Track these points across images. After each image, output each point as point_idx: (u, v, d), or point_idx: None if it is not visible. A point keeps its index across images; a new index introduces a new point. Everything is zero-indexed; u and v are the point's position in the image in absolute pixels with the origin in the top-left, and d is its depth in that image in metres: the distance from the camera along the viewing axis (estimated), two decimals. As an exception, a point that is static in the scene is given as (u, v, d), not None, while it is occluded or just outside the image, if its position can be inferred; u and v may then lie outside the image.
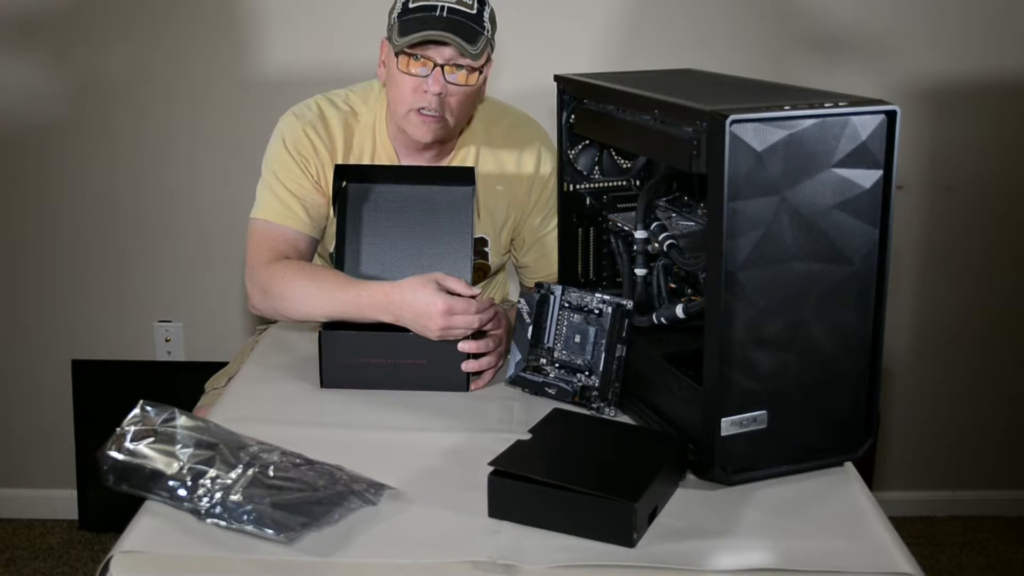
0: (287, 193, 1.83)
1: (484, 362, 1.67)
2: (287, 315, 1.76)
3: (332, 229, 1.87)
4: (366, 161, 1.88)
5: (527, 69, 2.48)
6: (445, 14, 1.71)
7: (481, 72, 1.77)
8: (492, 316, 1.66)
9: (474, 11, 1.73)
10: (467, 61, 1.72)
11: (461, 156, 1.90)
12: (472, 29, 1.72)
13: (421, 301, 1.61)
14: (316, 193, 1.85)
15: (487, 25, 1.75)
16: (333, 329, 1.68)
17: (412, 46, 1.71)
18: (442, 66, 1.72)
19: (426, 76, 1.73)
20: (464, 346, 1.64)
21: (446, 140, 1.86)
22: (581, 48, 2.56)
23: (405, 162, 1.89)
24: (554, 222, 1.89)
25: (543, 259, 1.96)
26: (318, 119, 1.86)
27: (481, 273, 1.97)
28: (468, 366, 1.66)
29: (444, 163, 1.90)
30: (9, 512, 2.84)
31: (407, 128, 1.80)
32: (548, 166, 1.91)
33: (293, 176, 1.84)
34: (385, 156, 1.88)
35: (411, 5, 1.73)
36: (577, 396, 1.62)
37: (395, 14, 1.75)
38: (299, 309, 1.73)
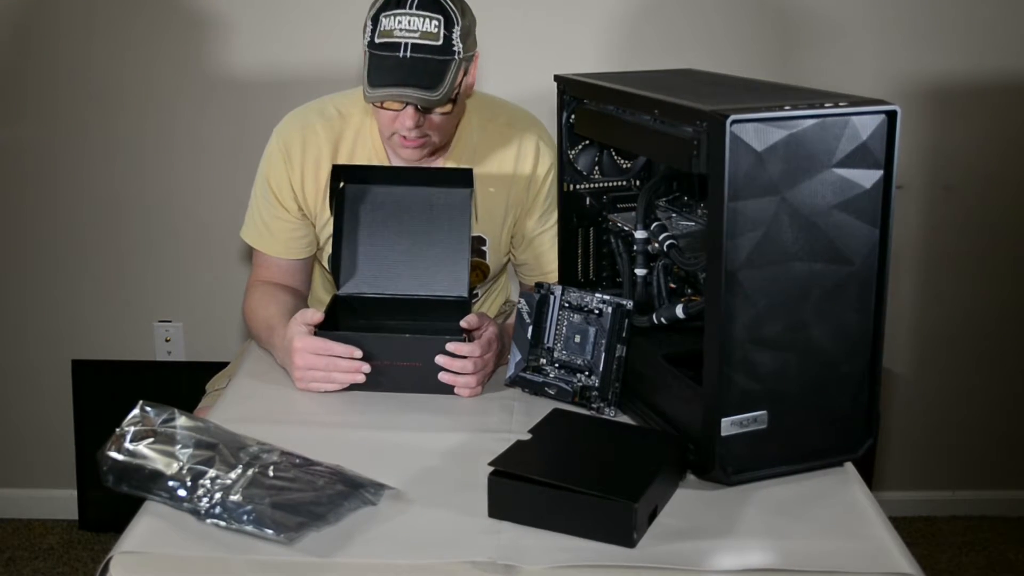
0: (262, 223, 1.92)
1: (460, 381, 1.65)
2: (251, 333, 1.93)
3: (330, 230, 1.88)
4: (356, 163, 1.88)
5: (527, 69, 2.48)
6: (408, 55, 1.66)
7: (455, 101, 1.74)
8: (352, 360, 1.65)
9: (439, 41, 1.67)
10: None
11: (457, 154, 1.89)
12: (436, 68, 1.67)
13: (287, 337, 1.68)
14: (291, 219, 1.90)
15: (456, 45, 1.68)
16: (327, 330, 1.68)
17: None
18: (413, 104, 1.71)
19: (399, 111, 1.73)
20: (440, 360, 1.64)
21: (436, 150, 1.86)
22: (581, 48, 2.56)
23: (397, 164, 1.88)
24: (553, 219, 1.89)
25: (542, 256, 1.96)
26: (299, 131, 1.86)
27: (480, 272, 1.97)
28: (443, 377, 1.65)
29: (440, 161, 1.89)
30: (9, 512, 2.84)
31: (394, 150, 1.83)
32: (547, 161, 1.90)
33: (270, 207, 1.90)
34: (376, 159, 1.88)
35: (377, 40, 1.68)
36: (577, 396, 1.62)
37: (365, 39, 1.71)
38: (250, 331, 1.92)
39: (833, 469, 1.43)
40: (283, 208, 1.89)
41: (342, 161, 1.87)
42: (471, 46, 1.74)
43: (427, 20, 1.67)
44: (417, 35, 1.66)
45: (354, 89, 1.92)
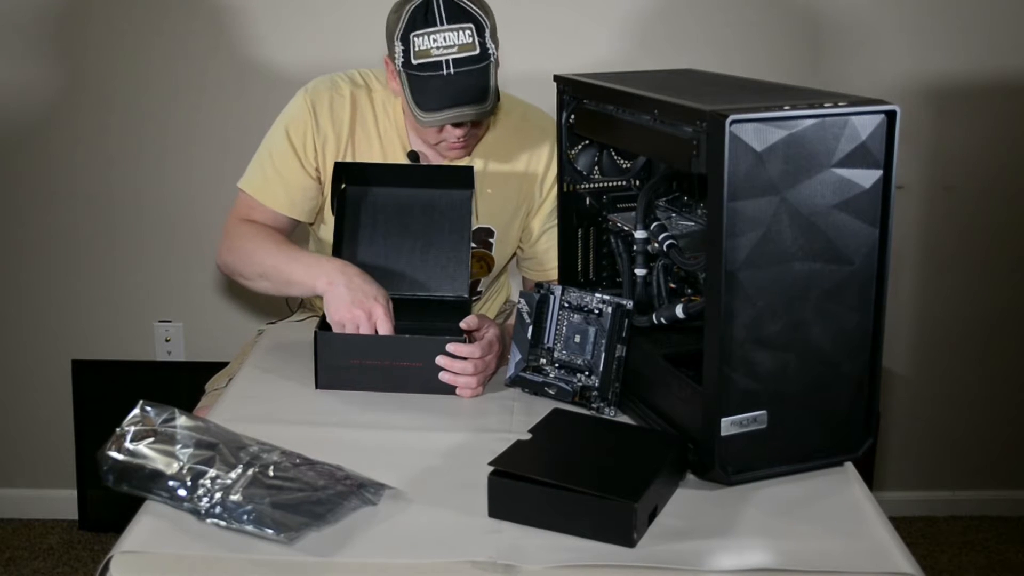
0: (275, 173, 1.87)
1: (460, 381, 1.65)
2: (238, 270, 1.85)
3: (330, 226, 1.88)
4: (375, 138, 1.88)
5: (528, 68, 2.48)
6: (453, 72, 1.67)
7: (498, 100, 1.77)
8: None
9: (476, 50, 1.68)
10: None
11: (472, 145, 1.90)
12: (480, 78, 1.68)
13: (373, 288, 1.68)
14: (304, 176, 1.87)
15: (490, 47, 1.69)
16: (328, 330, 1.68)
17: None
18: None
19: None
20: (440, 360, 1.64)
21: None
22: (581, 48, 2.56)
23: (415, 143, 1.88)
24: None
25: (548, 252, 1.96)
26: (327, 91, 1.87)
27: (484, 264, 1.97)
28: (444, 377, 1.65)
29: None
30: (9, 512, 2.84)
31: (437, 153, 1.86)
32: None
33: (284, 156, 1.87)
34: (396, 137, 1.88)
35: (415, 61, 1.68)
36: (577, 396, 1.62)
37: (397, 58, 1.70)
38: (248, 264, 1.82)
39: (833, 469, 1.43)
40: (298, 161, 1.86)
41: (362, 131, 1.87)
42: (497, 43, 1.75)
43: (460, 32, 1.67)
44: (455, 49, 1.67)
45: (382, 69, 1.92)
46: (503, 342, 1.72)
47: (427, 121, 1.70)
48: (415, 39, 1.67)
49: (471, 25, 1.67)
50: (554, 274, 1.90)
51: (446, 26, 1.67)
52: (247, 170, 1.91)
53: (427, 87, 1.68)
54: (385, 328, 1.66)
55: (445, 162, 1.88)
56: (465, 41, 1.67)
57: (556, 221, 1.91)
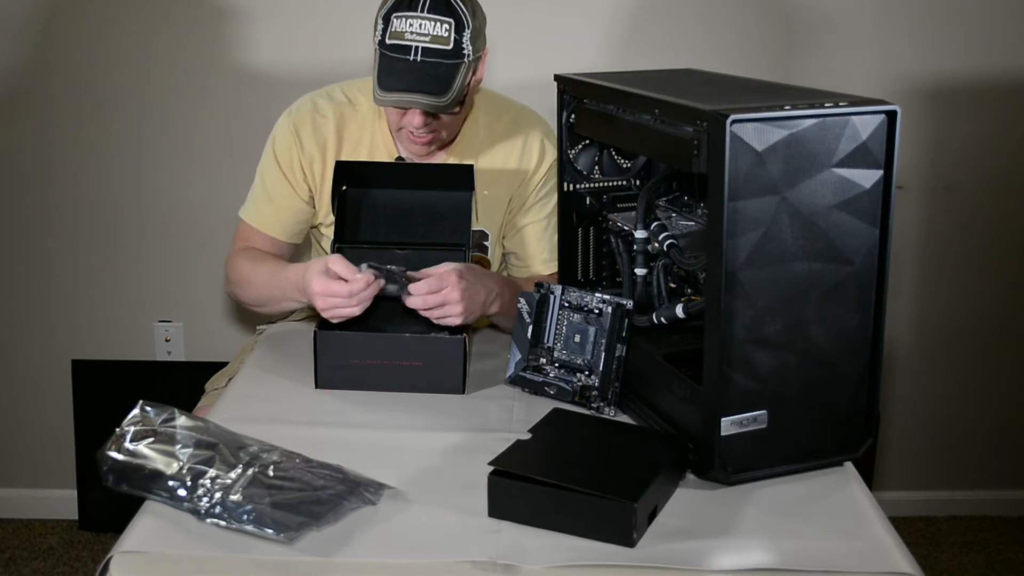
0: (267, 199, 1.92)
1: (440, 313, 1.64)
2: (243, 300, 1.92)
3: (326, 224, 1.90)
4: (362, 150, 1.89)
5: (529, 66, 2.48)
6: (419, 58, 1.67)
7: (463, 102, 1.76)
8: (370, 298, 1.62)
9: (449, 45, 1.68)
10: None
11: (462, 150, 1.90)
12: (445, 73, 1.68)
13: (311, 281, 1.66)
14: (297, 199, 1.91)
15: (466, 48, 1.69)
16: (328, 329, 1.68)
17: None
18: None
19: (408, 109, 1.75)
20: (410, 301, 1.64)
21: (443, 145, 1.88)
22: (583, 45, 2.56)
23: (402, 149, 1.88)
24: (544, 212, 1.93)
25: (528, 247, 1.96)
26: (309, 114, 1.89)
27: (480, 268, 1.97)
28: (426, 314, 1.64)
29: (445, 156, 1.90)
30: (9, 512, 2.84)
31: (401, 144, 1.86)
32: (550, 159, 1.92)
33: (276, 182, 1.90)
34: (383, 146, 1.89)
35: (388, 40, 1.69)
36: (577, 396, 1.62)
37: (376, 36, 1.72)
38: (248, 294, 1.89)
39: (833, 469, 1.43)
40: (289, 185, 1.90)
41: (349, 146, 1.88)
42: (481, 46, 1.75)
43: (438, 24, 1.67)
44: (428, 39, 1.67)
45: (365, 79, 1.93)
46: (475, 274, 1.69)
47: (380, 99, 1.70)
48: (394, 19, 1.69)
49: (451, 20, 1.68)
50: (536, 270, 1.92)
51: (426, 14, 1.67)
52: (247, 198, 1.96)
53: (392, 68, 1.69)
54: (345, 287, 1.62)
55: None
56: (440, 34, 1.68)
57: (536, 217, 1.92)
